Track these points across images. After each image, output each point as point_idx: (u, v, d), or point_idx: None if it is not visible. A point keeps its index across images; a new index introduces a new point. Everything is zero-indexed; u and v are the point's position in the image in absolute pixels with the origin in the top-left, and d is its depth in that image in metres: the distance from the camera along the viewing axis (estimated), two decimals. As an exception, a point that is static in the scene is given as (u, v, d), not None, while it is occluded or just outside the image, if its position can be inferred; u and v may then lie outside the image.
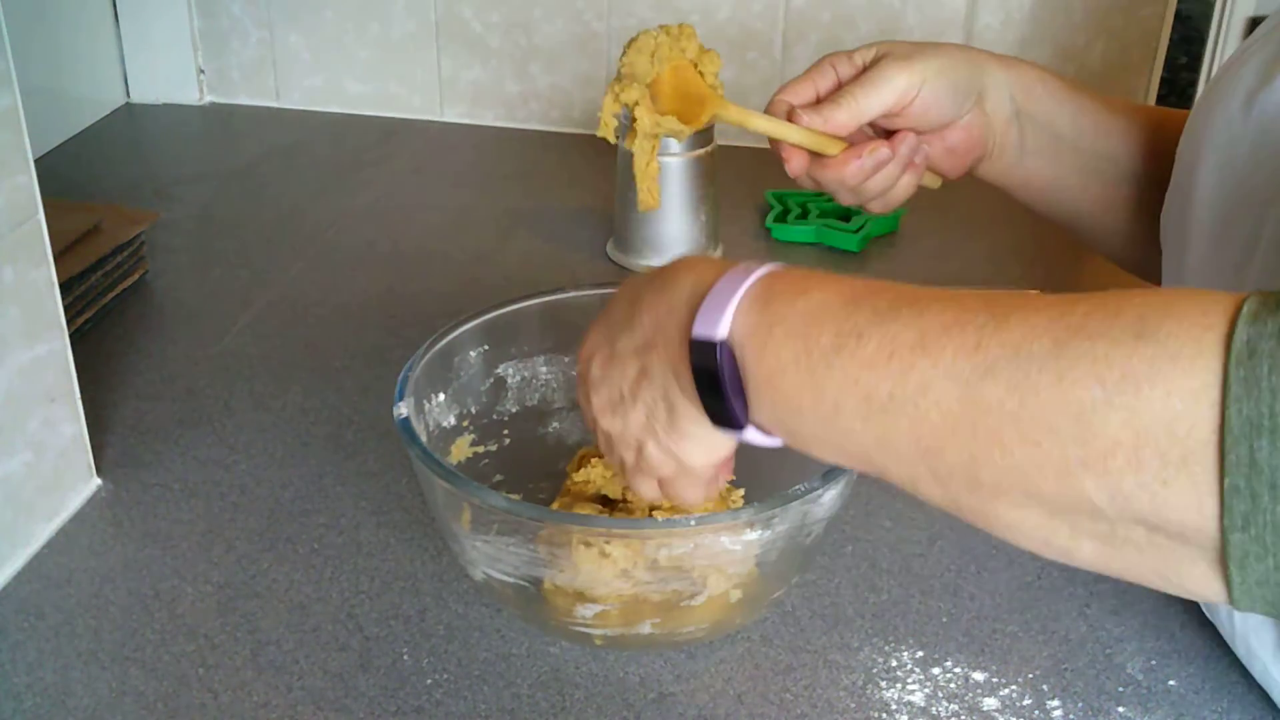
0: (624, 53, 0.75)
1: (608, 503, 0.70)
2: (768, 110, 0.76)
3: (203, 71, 1.41)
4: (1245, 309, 0.38)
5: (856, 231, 1.11)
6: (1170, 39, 1.19)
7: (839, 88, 0.76)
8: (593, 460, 0.71)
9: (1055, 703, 0.64)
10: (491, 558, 0.62)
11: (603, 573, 0.60)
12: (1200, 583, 0.41)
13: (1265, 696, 0.64)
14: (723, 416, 0.50)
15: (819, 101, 0.76)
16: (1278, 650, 0.60)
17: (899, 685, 0.65)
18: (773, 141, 0.77)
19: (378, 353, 0.94)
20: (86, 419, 0.78)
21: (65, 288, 0.82)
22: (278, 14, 1.37)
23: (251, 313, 1.00)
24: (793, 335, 0.47)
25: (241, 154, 1.31)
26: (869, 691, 0.65)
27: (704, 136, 1.04)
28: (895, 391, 0.44)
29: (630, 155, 0.80)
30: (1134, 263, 0.84)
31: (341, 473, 0.81)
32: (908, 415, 0.44)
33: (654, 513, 0.67)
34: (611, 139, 0.77)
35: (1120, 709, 0.64)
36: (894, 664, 0.66)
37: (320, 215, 1.17)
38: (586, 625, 0.63)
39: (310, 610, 0.69)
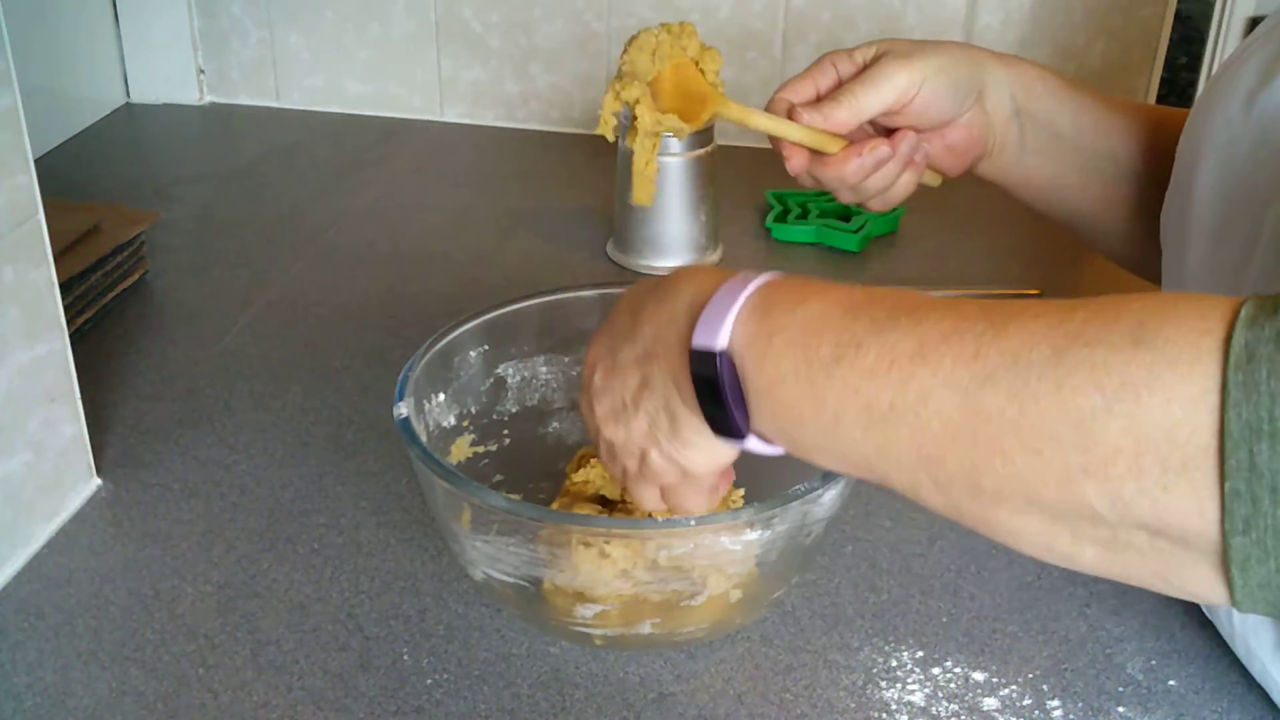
0: (625, 50, 0.75)
1: (607, 503, 0.70)
2: (768, 108, 0.77)
3: (203, 71, 1.41)
4: (1243, 313, 0.38)
5: (856, 231, 1.11)
6: (1170, 39, 1.19)
7: (839, 86, 0.76)
8: (592, 461, 0.71)
9: (1055, 703, 0.64)
10: (491, 558, 0.62)
11: (602, 573, 0.60)
12: (1202, 586, 0.41)
13: (1265, 696, 0.64)
14: (724, 426, 0.51)
15: (819, 99, 0.76)
16: (1276, 650, 0.60)
17: (899, 685, 0.65)
18: (773, 139, 0.77)
19: (378, 353, 0.94)
20: (86, 419, 0.78)
21: (65, 288, 0.82)
22: (278, 14, 1.37)
23: (251, 313, 1.00)
24: (792, 345, 0.47)
25: (241, 154, 1.31)
26: (869, 691, 0.65)
27: (704, 136, 1.04)
28: (896, 401, 0.44)
29: (630, 153, 0.80)
30: (1134, 261, 0.84)
31: (341, 473, 0.81)
32: (908, 424, 0.44)
33: (653, 513, 0.67)
34: (611, 137, 0.77)
35: (1120, 709, 0.64)
36: (894, 664, 0.66)
37: (320, 215, 1.17)
38: (586, 625, 0.63)
39: (310, 610, 0.69)
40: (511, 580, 0.63)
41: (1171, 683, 0.65)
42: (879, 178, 0.76)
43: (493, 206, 1.19)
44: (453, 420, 0.73)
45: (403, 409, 0.65)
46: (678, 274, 0.54)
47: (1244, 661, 0.64)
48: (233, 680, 0.65)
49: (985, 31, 1.25)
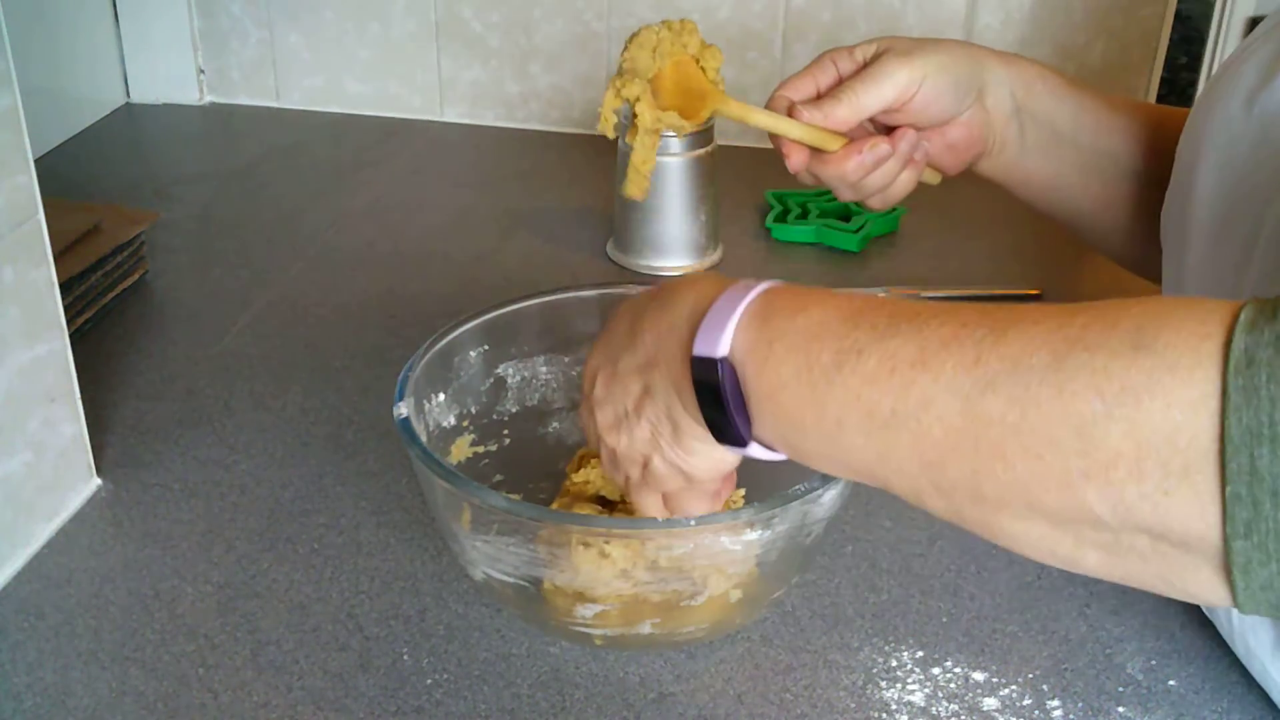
0: (625, 47, 0.75)
1: (607, 504, 0.70)
2: (768, 106, 0.77)
3: (203, 71, 1.41)
4: (1242, 317, 0.38)
5: (856, 231, 1.11)
6: (1170, 39, 1.19)
7: (839, 83, 0.76)
8: (592, 461, 0.71)
9: (1055, 703, 0.64)
10: (491, 558, 0.62)
11: (602, 573, 0.60)
12: (1205, 589, 0.41)
13: (1265, 697, 0.64)
14: (726, 433, 0.51)
15: (819, 97, 0.76)
16: (1275, 650, 0.60)
17: (899, 685, 0.65)
18: (773, 137, 0.77)
19: (378, 353, 0.94)
20: (86, 419, 0.78)
21: (65, 288, 0.82)
22: (278, 14, 1.37)
23: (251, 313, 1.00)
24: (793, 351, 0.47)
25: (241, 154, 1.31)
26: (869, 691, 0.65)
27: (704, 136, 1.04)
28: (897, 407, 0.44)
29: (629, 150, 0.80)
30: (1134, 261, 0.84)
31: (341, 473, 0.81)
32: (910, 430, 0.44)
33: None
34: (611, 134, 0.77)
35: (1120, 709, 0.64)
36: (894, 664, 0.66)
37: (320, 215, 1.17)
38: (586, 625, 0.63)
39: (310, 610, 0.69)
40: (511, 580, 0.63)
41: (1171, 683, 0.65)
42: (879, 175, 0.76)
43: (493, 206, 1.19)
44: (453, 420, 0.73)
45: (403, 409, 0.65)
46: (678, 282, 0.55)
47: (1243, 661, 0.64)
48: (233, 680, 0.65)
49: (985, 31, 1.25)
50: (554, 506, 0.71)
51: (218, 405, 0.88)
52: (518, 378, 0.76)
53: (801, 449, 0.49)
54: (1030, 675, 0.66)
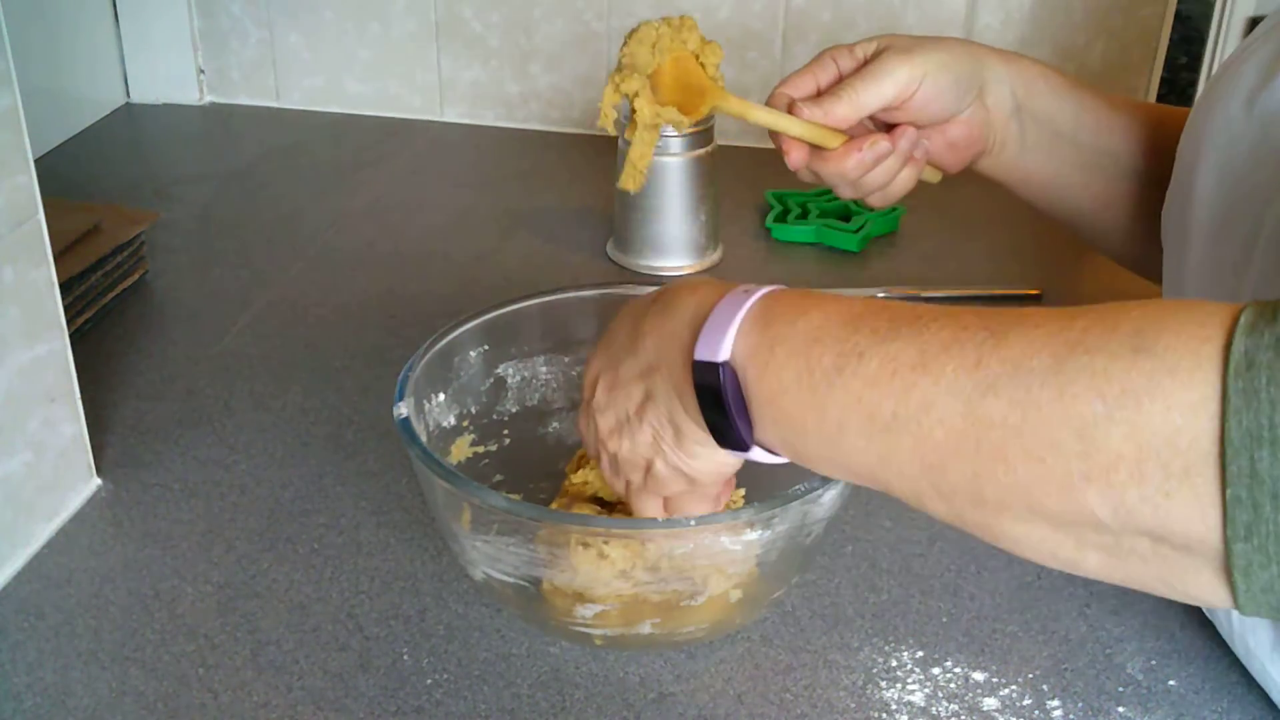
0: (625, 43, 0.75)
1: (604, 504, 0.70)
2: (768, 103, 0.76)
3: (203, 71, 1.41)
4: (1242, 320, 0.38)
5: (856, 231, 1.11)
6: (1170, 39, 1.19)
7: (840, 81, 0.76)
8: (590, 462, 0.71)
9: (1055, 703, 0.64)
10: (491, 558, 0.62)
11: (601, 573, 0.60)
12: (1205, 591, 0.41)
13: (1265, 697, 0.64)
14: (728, 437, 0.51)
15: (819, 94, 0.76)
16: (1275, 650, 0.60)
17: (899, 685, 0.65)
18: (773, 134, 0.76)
19: (378, 353, 0.94)
20: (86, 419, 0.78)
21: (65, 288, 0.82)
22: (278, 14, 1.37)
23: (251, 313, 1.00)
24: (794, 355, 0.48)
25: (241, 154, 1.31)
26: (869, 691, 0.65)
27: (703, 136, 1.04)
28: (898, 410, 0.44)
29: (629, 145, 0.79)
30: (1134, 260, 0.84)
31: (341, 473, 0.81)
32: (911, 433, 0.44)
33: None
34: (611, 130, 0.77)
35: (1120, 709, 0.64)
36: (894, 664, 0.66)
37: (320, 215, 1.17)
38: (586, 625, 0.63)
39: (310, 610, 0.69)
40: (511, 580, 0.63)
41: (1171, 683, 0.65)
42: (879, 173, 0.76)
43: (493, 206, 1.19)
44: (453, 420, 0.73)
45: (403, 409, 0.65)
46: (678, 287, 0.55)
47: (1243, 661, 0.64)
48: (233, 680, 0.65)
49: (985, 31, 1.25)
50: (553, 507, 0.71)
51: (218, 405, 0.88)
52: (518, 378, 0.76)
53: (803, 452, 0.49)
54: (1030, 675, 0.66)
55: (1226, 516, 0.38)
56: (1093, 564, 0.43)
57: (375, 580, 0.72)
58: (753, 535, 0.60)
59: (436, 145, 1.33)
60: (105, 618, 0.69)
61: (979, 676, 0.66)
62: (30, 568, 0.72)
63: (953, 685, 0.65)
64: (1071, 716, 0.63)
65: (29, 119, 0.69)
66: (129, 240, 1.00)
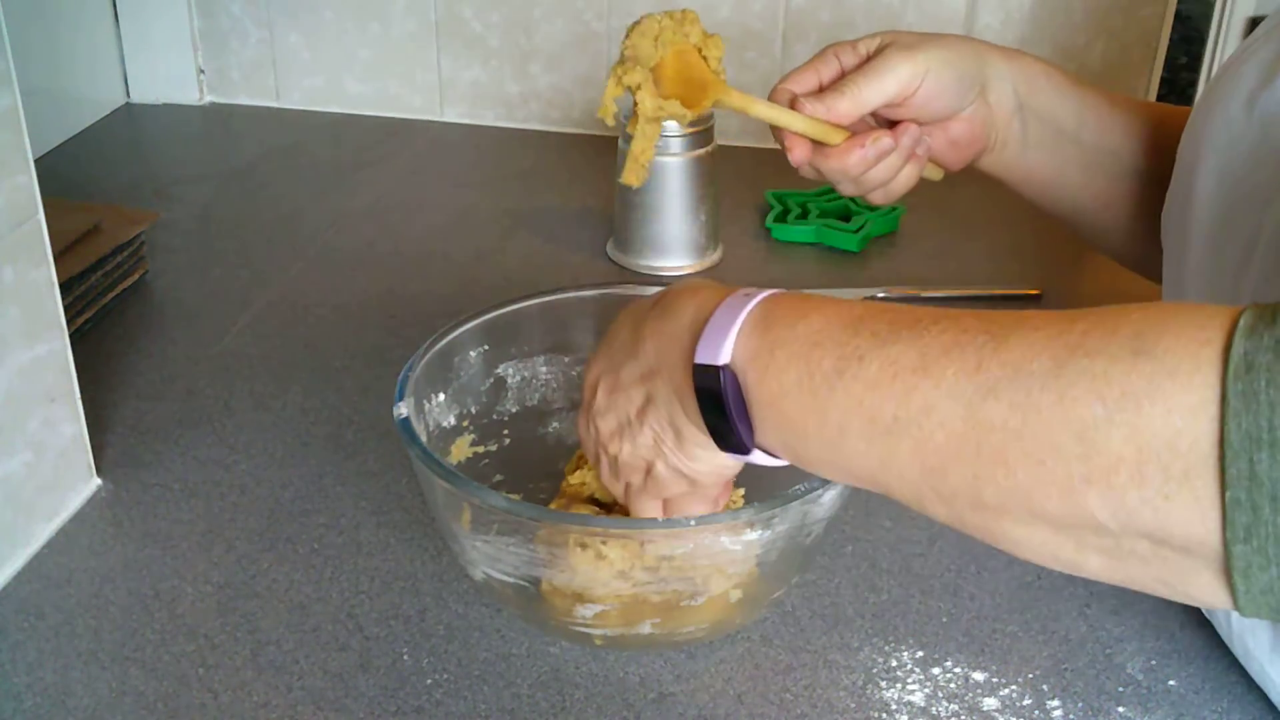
0: (627, 35, 0.74)
1: (602, 505, 0.70)
2: (770, 98, 0.76)
3: (203, 71, 1.41)
4: (1242, 323, 0.39)
5: (856, 231, 1.11)
6: (1170, 39, 1.19)
7: (842, 77, 0.76)
8: (589, 463, 0.71)
9: (1055, 703, 0.64)
10: (491, 558, 0.62)
11: (600, 574, 0.60)
12: (1206, 592, 0.41)
13: (1265, 697, 0.64)
14: (728, 440, 0.51)
15: (822, 90, 0.76)
16: (1273, 651, 0.60)
17: (899, 685, 0.65)
18: (775, 130, 0.76)
19: (378, 353, 0.94)
20: (86, 419, 0.78)
21: (65, 288, 0.82)
22: (278, 14, 1.37)
23: (251, 313, 1.00)
24: (795, 359, 0.48)
25: (241, 154, 1.31)
26: (869, 691, 0.65)
27: (704, 136, 1.04)
28: (899, 413, 0.44)
29: (629, 140, 0.79)
30: (1135, 260, 0.84)
31: (341, 473, 0.81)
32: (912, 436, 0.44)
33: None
34: (610, 121, 0.77)
35: (1120, 709, 0.64)
36: (894, 664, 0.66)
37: (320, 215, 1.17)
38: (586, 625, 0.63)
39: (310, 610, 0.69)
40: (511, 580, 0.63)
41: (1171, 683, 0.65)
42: (881, 170, 0.76)
43: (493, 206, 1.19)
44: (453, 420, 0.73)
45: (403, 409, 0.65)
46: (678, 290, 0.55)
47: (1242, 662, 0.64)
48: (233, 680, 0.65)
49: (985, 31, 1.25)
50: (551, 508, 0.70)
51: (218, 405, 0.88)
52: (518, 378, 0.76)
53: (803, 455, 0.49)
54: (1030, 675, 0.66)
55: (1226, 518, 0.38)
56: (1093, 566, 0.43)
57: (375, 580, 0.72)
58: (753, 535, 0.60)
59: (436, 145, 1.33)
60: (105, 618, 0.69)
61: (979, 676, 0.66)
62: (30, 568, 0.72)
63: (953, 685, 0.65)
64: (1071, 716, 0.63)
65: (29, 119, 0.69)
66: (129, 240, 1.00)
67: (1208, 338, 0.39)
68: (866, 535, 0.76)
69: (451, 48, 1.35)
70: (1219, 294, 0.61)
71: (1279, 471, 0.37)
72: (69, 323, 0.78)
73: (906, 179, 0.78)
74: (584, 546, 0.60)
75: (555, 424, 0.78)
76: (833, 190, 1.08)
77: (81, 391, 0.77)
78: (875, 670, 0.66)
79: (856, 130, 0.76)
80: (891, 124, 0.77)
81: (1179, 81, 1.20)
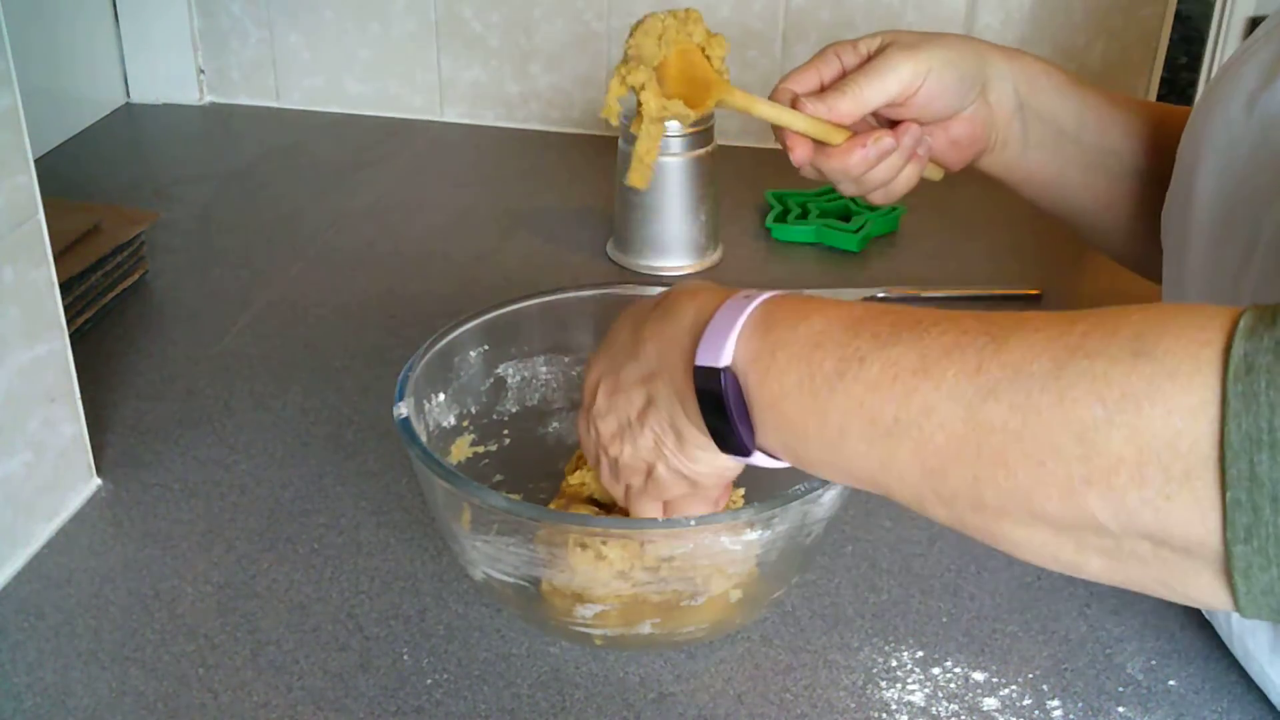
0: (631, 34, 0.74)
1: (601, 506, 0.70)
2: (771, 98, 0.76)
3: (203, 71, 1.41)
4: (1242, 324, 0.39)
5: (856, 231, 1.11)
6: (1170, 39, 1.19)
7: (843, 76, 0.76)
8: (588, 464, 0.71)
9: (1055, 703, 0.64)
10: (491, 558, 0.62)
11: (599, 574, 0.61)
12: (1206, 593, 0.41)
13: (1265, 697, 0.64)
14: (729, 442, 0.51)
15: (823, 90, 0.76)
16: (1273, 652, 0.60)
17: (899, 685, 0.65)
18: (776, 130, 0.76)
19: (378, 353, 0.94)
20: (86, 419, 0.78)
21: (65, 288, 0.82)
22: (278, 14, 1.37)
23: (251, 313, 1.00)
24: (795, 360, 0.48)
25: (241, 154, 1.31)
26: (869, 691, 0.65)
27: (704, 136, 1.04)
28: (899, 415, 0.44)
29: (629, 152, 0.79)
30: (1135, 260, 0.84)
31: (341, 473, 0.81)
32: (912, 438, 0.44)
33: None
34: (616, 122, 0.77)
35: (1120, 709, 0.64)
36: (894, 664, 0.66)
37: (320, 215, 1.17)
38: (586, 625, 0.63)
39: (310, 610, 0.69)
40: (511, 580, 0.63)
41: (1171, 683, 0.65)
42: (882, 170, 0.76)
43: (493, 206, 1.19)
44: (453, 420, 0.73)
45: (403, 409, 0.65)
46: (678, 292, 0.55)
47: (1242, 663, 0.64)
48: (233, 680, 0.65)
49: (985, 31, 1.25)
50: (551, 508, 0.70)
51: (218, 405, 0.88)
52: (518, 378, 0.76)
53: (804, 457, 0.49)
54: (1030, 675, 0.66)
55: (1226, 519, 0.38)
56: (1094, 567, 0.43)
57: (375, 580, 0.72)
58: (753, 535, 0.60)
59: (436, 145, 1.33)
60: (105, 618, 0.69)
61: (979, 676, 0.66)
62: (30, 568, 0.72)
63: (953, 685, 0.65)
64: (1071, 716, 0.63)
65: (29, 119, 0.69)
66: (129, 240, 1.00)
67: (1208, 339, 0.39)
68: (866, 535, 0.76)
69: (451, 48, 1.35)
70: (1219, 294, 0.61)
71: (1279, 472, 0.37)
72: (69, 323, 0.79)
73: (907, 179, 0.78)
74: (584, 547, 0.60)
75: (555, 424, 0.78)
76: (833, 190, 1.08)
77: (81, 391, 0.77)
78: (875, 670, 0.66)
79: (858, 130, 0.76)
80: (892, 124, 0.77)
81: (1179, 81, 1.20)
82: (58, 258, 0.75)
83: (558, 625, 0.64)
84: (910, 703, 0.64)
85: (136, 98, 1.42)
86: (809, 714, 0.63)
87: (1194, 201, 0.65)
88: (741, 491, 0.70)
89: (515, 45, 1.33)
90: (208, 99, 1.43)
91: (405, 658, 0.66)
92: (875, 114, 0.77)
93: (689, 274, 1.08)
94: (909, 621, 0.69)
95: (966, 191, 1.02)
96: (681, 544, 0.60)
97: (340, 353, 0.94)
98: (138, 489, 0.79)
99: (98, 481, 0.79)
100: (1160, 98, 1.22)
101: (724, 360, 0.50)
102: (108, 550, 0.74)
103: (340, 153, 1.31)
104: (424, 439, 0.65)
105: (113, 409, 0.87)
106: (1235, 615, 0.62)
